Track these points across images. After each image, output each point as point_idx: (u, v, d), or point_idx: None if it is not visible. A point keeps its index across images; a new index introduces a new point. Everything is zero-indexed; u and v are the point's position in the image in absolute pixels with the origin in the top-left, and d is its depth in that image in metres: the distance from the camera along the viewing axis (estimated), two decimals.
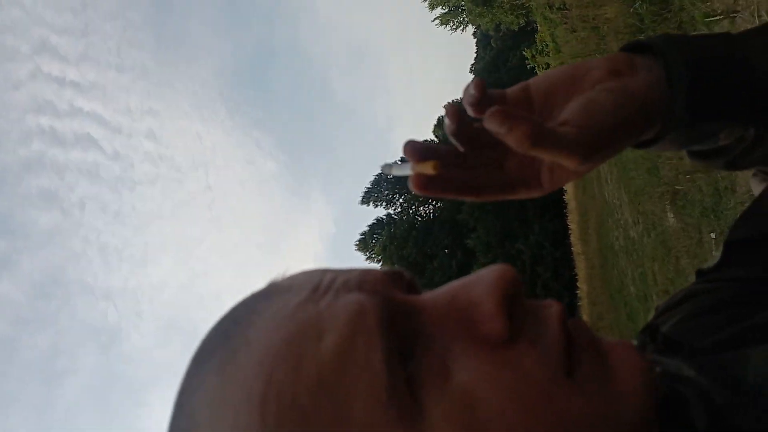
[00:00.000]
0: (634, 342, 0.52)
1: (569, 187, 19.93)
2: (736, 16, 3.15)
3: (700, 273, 0.59)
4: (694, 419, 0.39)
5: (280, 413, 0.31)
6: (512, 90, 0.46)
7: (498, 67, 42.82)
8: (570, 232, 20.52)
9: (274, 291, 0.38)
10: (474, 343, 0.33)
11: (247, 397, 0.32)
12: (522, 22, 24.64)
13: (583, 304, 18.00)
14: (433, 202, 38.58)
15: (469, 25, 32.63)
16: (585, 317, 17.64)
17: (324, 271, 0.38)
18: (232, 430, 0.32)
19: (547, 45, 15.33)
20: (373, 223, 39.64)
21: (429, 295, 0.37)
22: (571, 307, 24.16)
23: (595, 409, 0.32)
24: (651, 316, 0.61)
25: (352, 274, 0.37)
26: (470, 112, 0.44)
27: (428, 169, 0.42)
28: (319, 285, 0.36)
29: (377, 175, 40.45)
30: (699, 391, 0.40)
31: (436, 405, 0.31)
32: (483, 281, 0.35)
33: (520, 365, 0.32)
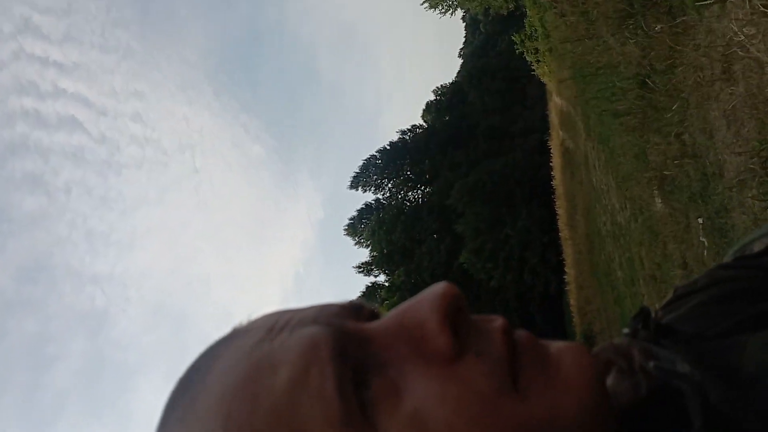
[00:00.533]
0: (626, 330, 0.52)
1: (557, 173, 20.01)
2: (726, 1, 3.14)
3: (740, 258, 0.59)
4: (691, 416, 0.39)
5: None
6: None
7: (487, 51, 42.73)
8: (558, 217, 20.62)
9: (233, 335, 0.39)
10: (423, 362, 0.34)
11: None
12: (511, 6, 24.47)
13: (571, 288, 18.15)
14: (422, 188, 38.61)
15: (458, 9, 32.41)
16: (572, 302, 17.81)
17: (283, 312, 0.39)
18: None
19: (536, 30, 15.29)
20: (362, 208, 39.60)
21: (380, 321, 0.37)
22: (558, 292, 24.36)
23: (542, 414, 0.32)
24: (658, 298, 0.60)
25: (308, 311, 0.38)
26: None
27: None
28: (275, 325, 0.37)
29: (366, 160, 40.33)
30: (694, 386, 0.40)
31: (390, 425, 0.32)
32: (426, 300, 0.35)
33: (466, 379, 0.33)
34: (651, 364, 0.44)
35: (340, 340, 0.34)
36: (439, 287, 0.35)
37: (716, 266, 0.59)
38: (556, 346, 0.36)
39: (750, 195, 2.97)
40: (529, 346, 0.35)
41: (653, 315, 0.53)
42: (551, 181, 22.15)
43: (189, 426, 0.34)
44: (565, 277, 19.76)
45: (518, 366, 0.34)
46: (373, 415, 0.32)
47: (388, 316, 0.37)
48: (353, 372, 0.33)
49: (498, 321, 0.36)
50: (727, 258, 0.62)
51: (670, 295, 0.59)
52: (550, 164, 22.32)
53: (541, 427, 0.32)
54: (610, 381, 0.46)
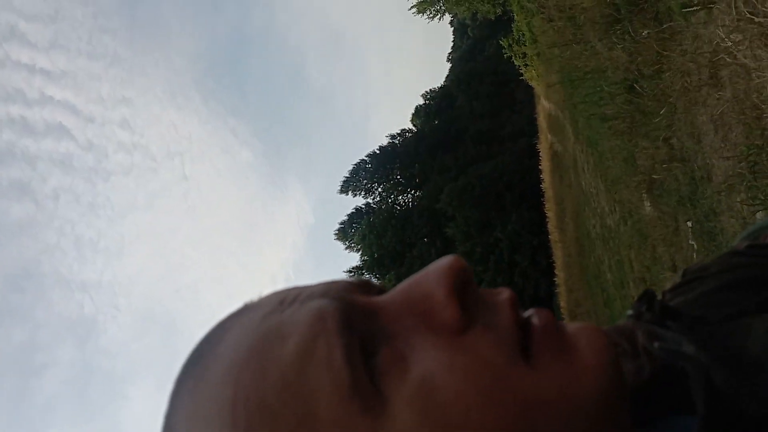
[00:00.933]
0: (629, 312, 0.52)
1: (546, 176, 20.08)
2: (713, 7, 3.16)
3: (753, 247, 0.58)
4: (695, 398, 0.39)
5: (250, 417, 0.32)
6: None
7: (475, 56, 42.87)
8: (547, 220, 20.66)
9: (244, 310, 0.39)
10: (430, 333, 0.34)
11: (218, 406, 0.33)
12: (499, 11, 24.56)
13: (561, 291, 18.18)
14: (412, 192, 38.61)
15: (446, 14, 32.48)
16: (562, 304, 17.83)
17: (292, 288, 0.39)
18: None
19: (523, 34, 15.34)
20: (352, 213, 39.56)
21: (387, 294, 0.38)
22: (548, 294, 24.41)
23: (553, 388, 0.32)
24: (672, 279, 0.60)
25: (318, 286, 0.39)
26: None
27: None
28: (285, 299, 0.37)
29: (356, 164, 40.30)
30: (699, 368, 0.40)
31: (398, 395, 0.31)
32: (433, 273, 0.35)
33: (474, 350, 0.33)
34: (656, 344, 0.44)
35: (348, 311, 0.35)
36: (446, 260, 0.35)
37: (728, 252, 0.59)
38: (573, 326, 0.36)
39: (738, 199, 3.00)
40: (547, 323, 0.35)
41: (659, 297, 0.53)
42: (540, 184, 22.23)
43: (200, 395, 0.34)
44: (555, 279, 19.80)
45: (531, 340, 0.34)
46: (381, 383, 0.32)
47: (396, 290, 0.37)
48: (361, 343, 0.33)
49: (505, 293, 0.37)
50: (737, 242, 0.62)
51: (678, 278, 0.59)
52: (539, 168, 22.40)
53: (551, 402, 0.32)
54: None
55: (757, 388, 0.39)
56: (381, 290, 0.40)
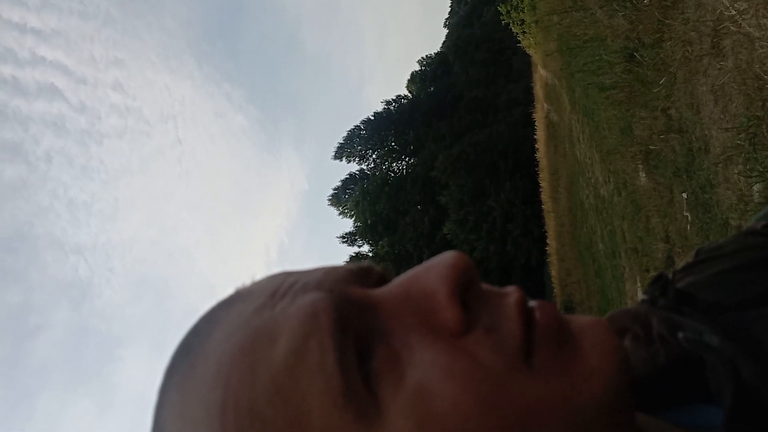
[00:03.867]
0: (644, 297, 0.51)
1: (541, 146, 20.05)
2: None
3: None
4: (715, 390, 0.38)
5: (239, 422, 0.31)
6: None
7: (472, 22, 42.36)
8: (541, 190, 20.73)
9: (236, 298, 0.37)
10: (429, 334, 0.32)
11: (207, 409, 0.32)
12: None
13: (552, 260, 18.34)
14: (406, 159, 38.54)
15: None
16: (553, 273, 18.02)
17: (288, 275, 0.37)
18: None
19: (522, 0, 15.13)
20: (346, 179, 39.57)
21: (386, 288, 0.36)
22: (540, 264, 24.63)
23: (557, 396, 0.30)
24: (683, 259, 0.58)
25: (314, 274, 0.36)
26: None
27: None
28: (278, 289, 0.35)
29: (350, 130, 40.10)
30: (725, 360, 0.39)
31: (393, 401, 0.30)
32: (435, 270, 0.33)
33: (474, 354, 0.31)
34: (680, 335, 0.42)
35: (342, 308, 0.33)
36: (449, 257, 0.33)
37: (744, 232, 0.57)
38: (579, 323, 0.34)
39: (736, 171, 2.99)
40: (550, 321, 0.33)
41: (670, 277, 0.52)
42: (535, 153, 22.20)
43: (189, 395, 0.33)
44: (546, 249, 19.95)
45: (534, 343, 0.32)
46: (376, 387, 0.31)
47: (395, 284, 0.35)
48: (356, 341, 0.32)
49: (513, 295, 0.34)
50: (754, 222, 0.61)
51: (690, 258, 0.57)
52: (534, 137, 22.35)
53: (553, 409, 0.30)
54: None
55: None
56: (382, 276, 0.38)
